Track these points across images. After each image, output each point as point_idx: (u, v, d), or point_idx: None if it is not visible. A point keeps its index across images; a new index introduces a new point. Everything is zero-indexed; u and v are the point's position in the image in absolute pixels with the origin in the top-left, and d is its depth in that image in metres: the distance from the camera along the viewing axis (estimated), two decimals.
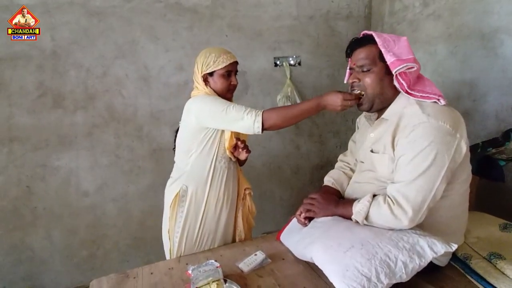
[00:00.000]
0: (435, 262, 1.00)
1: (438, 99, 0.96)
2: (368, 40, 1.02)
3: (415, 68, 0.97)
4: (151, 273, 1.16)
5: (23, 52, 1.74)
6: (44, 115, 1.83)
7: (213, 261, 1.07)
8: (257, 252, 1.19)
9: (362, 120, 1.24)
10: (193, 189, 1.31)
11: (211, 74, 1.29)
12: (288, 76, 2.28)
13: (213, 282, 0.98)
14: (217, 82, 1.29)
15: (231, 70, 1.29)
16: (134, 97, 1.98)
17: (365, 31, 1.08)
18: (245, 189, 1.44)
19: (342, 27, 2.41)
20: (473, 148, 1.03)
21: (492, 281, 0.94)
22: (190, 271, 1.04)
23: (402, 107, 0.99)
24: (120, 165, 2.00)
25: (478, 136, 1.72)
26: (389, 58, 0.97)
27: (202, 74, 1.29)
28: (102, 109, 1.93)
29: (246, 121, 1.16)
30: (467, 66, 1.83)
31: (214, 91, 1.30)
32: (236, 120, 1.17)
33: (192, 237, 1.33)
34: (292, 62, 2.31)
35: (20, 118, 1.79)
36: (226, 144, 1.29)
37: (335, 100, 1.09)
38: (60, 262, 1.98)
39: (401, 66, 0.95)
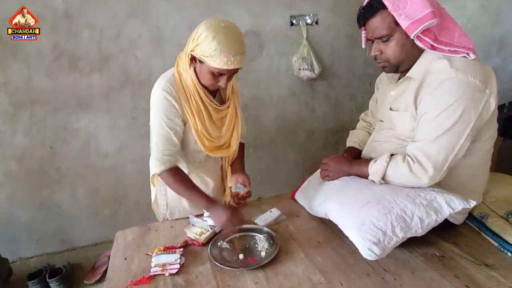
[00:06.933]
0: (451, 220, 1.01)
1: (467, 53, 0.90)
2: (378, 5, 0.92)
3: (436, 23, 0.88)
4: (172, 227, 1.22)
5: (36, 13, 1.72)
6: (62, 77, 1.85)
7: None
8: (273, 209, 1.22)
9: (383, 79, 1.19)
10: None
11: (200, 60, 1.03)
12: (305, 36, 2.19)
13: None
14: (202, 73, 1.07)
15: (224, 74, 1.04)
16: (147, 58, 1.95)
17: None
18: (230, 187, 1.27)
19: None
20: (499, 109, 0.97)
21: (507, 238, 0.94)
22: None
23: (428, 62, 0.93)
24: (137, 127, 2.04)
25: (505, 96, 1.64)
26: (403, 23, 0.88)
27: (190, 53, 1.05)
28: (117, 71, 1.93)
29: (151, 159, 1.14)
30: (498, 21, 1.70)
31: (197, 76, 1.10)
32: (151, 150, 1.14)
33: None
34: (309, 21, 2.20)
35: (39, 80, 1.82)
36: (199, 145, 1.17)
37: (219, 218, 1.04)
38: (86, 219, 2.11)
39: (418, 30, 0.87)
